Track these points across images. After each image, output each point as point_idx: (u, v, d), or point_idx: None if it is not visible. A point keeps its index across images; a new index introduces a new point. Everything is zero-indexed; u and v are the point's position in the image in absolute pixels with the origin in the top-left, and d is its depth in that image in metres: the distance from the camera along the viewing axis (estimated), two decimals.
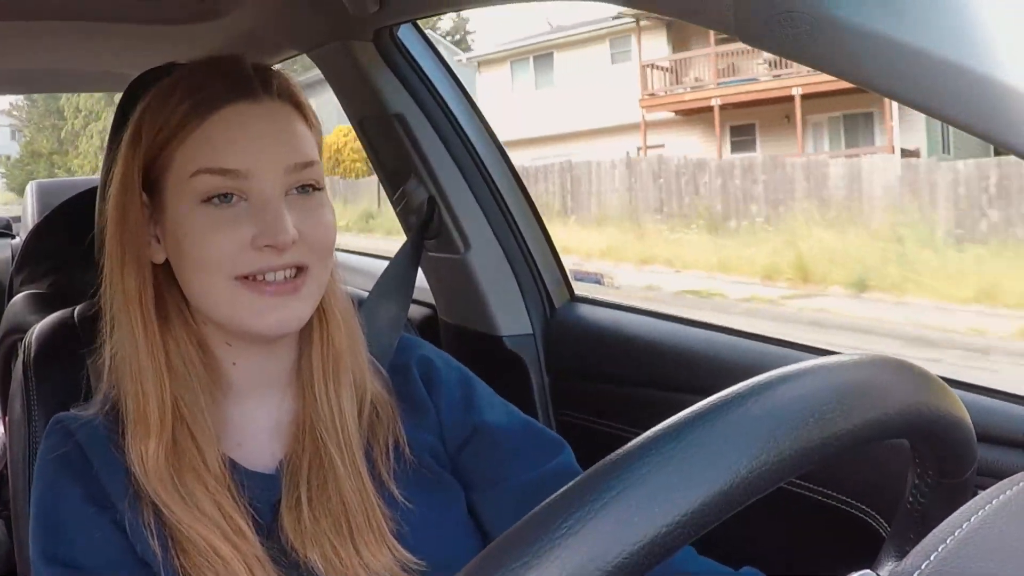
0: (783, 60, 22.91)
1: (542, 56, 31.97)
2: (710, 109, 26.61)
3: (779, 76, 25.24)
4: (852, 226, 17.38)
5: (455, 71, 2.60)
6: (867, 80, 1.02)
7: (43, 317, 1.88)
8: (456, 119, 2.51)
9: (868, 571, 1.02)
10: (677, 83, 28.04)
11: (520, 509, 1.52)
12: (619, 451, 0.67)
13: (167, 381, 1.38)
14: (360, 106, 2.57)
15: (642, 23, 27.76)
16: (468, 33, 62.05)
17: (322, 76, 2.59)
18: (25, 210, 5.00)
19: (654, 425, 0.68)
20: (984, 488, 0.76)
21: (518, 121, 28.76)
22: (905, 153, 21.82)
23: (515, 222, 2.56)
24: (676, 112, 28.12)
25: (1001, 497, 0.73)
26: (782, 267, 15.93)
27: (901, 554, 0.84)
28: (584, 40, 30.44)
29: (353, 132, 2.84)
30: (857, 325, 12.47)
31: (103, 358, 1.45)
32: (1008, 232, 16.12)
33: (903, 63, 0.96)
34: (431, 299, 2.83)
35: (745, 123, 27.03)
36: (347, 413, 1.46)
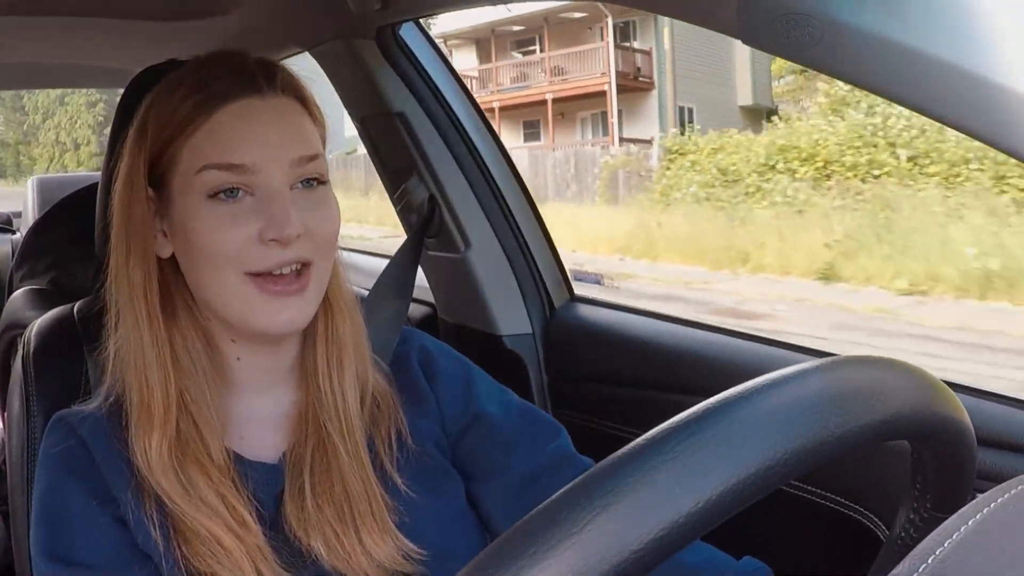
0: (559, 70, 29.94)
1: None
2: (508, 108, 31.74)
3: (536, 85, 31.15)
4: None
5: None
6: (870, 83, 1.02)
7: (43, 313, 1.88)
8: (458, 118, 2.51)
9: None
10: (483, 88, 32.28)
11: (520, 498, 1.52)
12: (623, 449, 0.67)
13: (172, 374, 1.38)
14: (362, 104, 2.57)
15: (451, 42, 33.04)
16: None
17: None
18: (26, 205, 5.00)
19: (653, 425, 0.68)
20: (982, 492, 0.76)
21: None
22: (638, 142, 26.46)
23: (515, 222, 2.57)
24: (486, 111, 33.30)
25: (999, 500, 0.73)
26: None
27: None
28: None
29: None
30: None
31: (107, 352, 1.45)
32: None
33: (906, 67, 0.96)
34: (431, 298, 2.83)
35: (533, 119, 32.69)
36: (350, 402, 1.47)
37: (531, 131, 33.16)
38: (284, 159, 1.36)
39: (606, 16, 28.44)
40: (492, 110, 30.43)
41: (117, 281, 1.42)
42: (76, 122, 51.32)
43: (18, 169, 49.72)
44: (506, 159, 2.61)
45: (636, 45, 30.61)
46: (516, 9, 30.37)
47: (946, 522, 0.72)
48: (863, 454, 1.05)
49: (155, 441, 1.36)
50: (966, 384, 1.65)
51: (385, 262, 2.15)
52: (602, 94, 29.67)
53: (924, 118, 1.00)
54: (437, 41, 2.60)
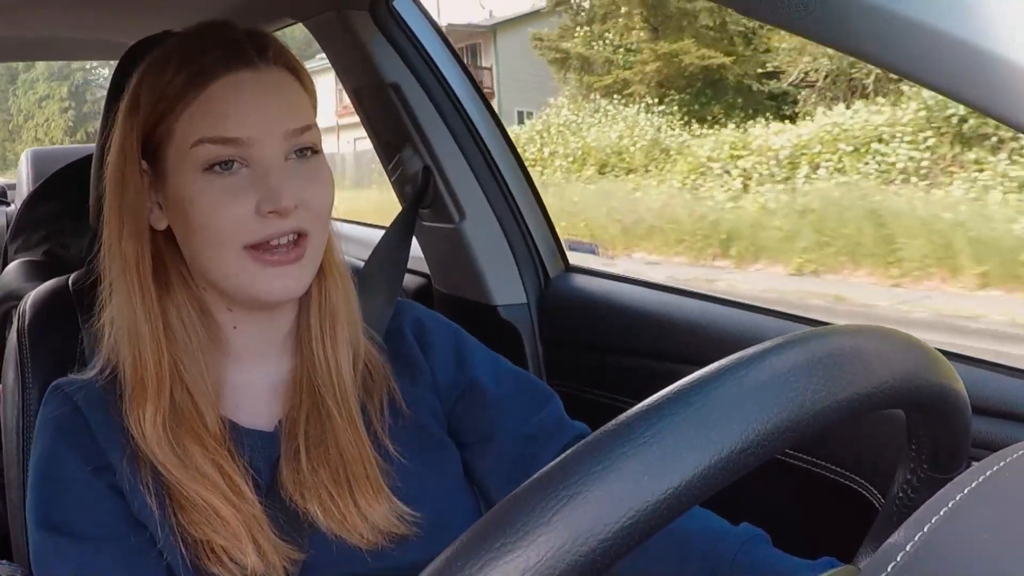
0: None
1: None
2: None
3: None
4: None
5: None
6: (868, 54, 1.02)
7: (37, 285, 1.88)
8: (452, 89, 2.50)
9: (850, 566, 1.02)
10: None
11: (514, 464, 1.53)
12: (592, 436, 0.67)
13: (165, 345, 1.39)
14: (356, 76, 2.56)
15: (313, 66, 36.65)
16: None
17: None
18: (20, 178, 4.97)
19: (647, 395, 0.68)
20: (977, 460, 0.76)
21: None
22: None
23: (510, 192, 2.56)
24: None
25: (995, 468, 0.73)
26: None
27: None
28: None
29: None
30: None
31: (101, 323, 1.46)
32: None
33: (899, 36, 0.96)
34: (426, 269, 2.83)
35: None
36: (344, 368, 1.48)
37: None
38: (278, 131, 1.37)
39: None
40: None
41: (110, 253, 1.43)
42: (51, 124, 53.32)
43: (3, 163, 51.63)
44: (500, 130, 2.60)
45: (482, 63, 34.31)
46: None
47: (941, 490, 0.72)
48: (857, 423, 1.05)
49: (149, 412, 1.36)
50: (960, 353, 1.66)
51: (380, 233, 2.15)
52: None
53: None
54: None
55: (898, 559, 0.65)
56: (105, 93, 1.74)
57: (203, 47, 1.40)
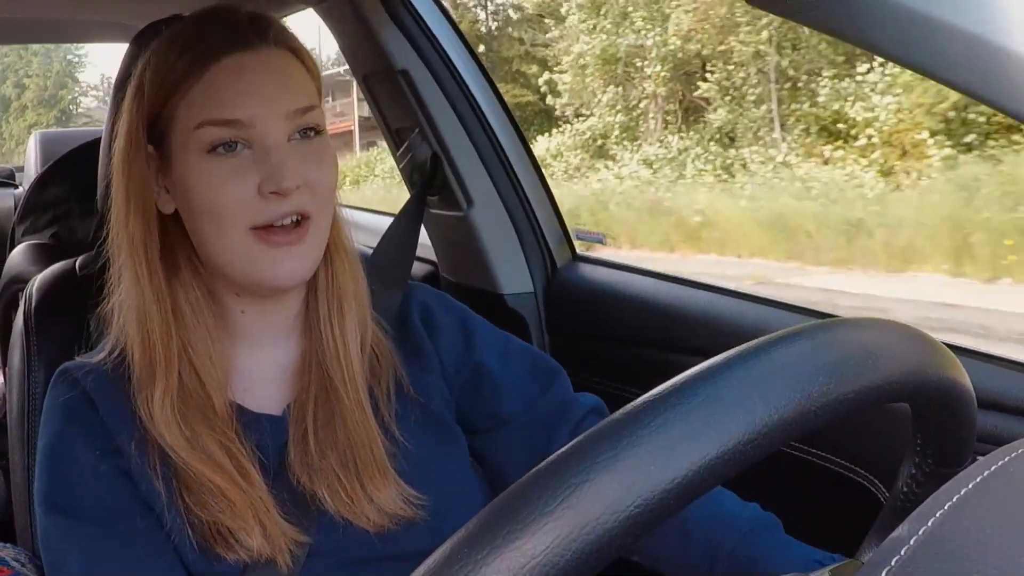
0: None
1: None
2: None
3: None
4: None
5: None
6: (872, 44, 1.02)
7: (44, 268, 1.88)
8: (461, 76, 2.50)
9: (853, 560, 1.02)
10: None
11: (527, 447, 1.54)
12: (598, 425, 0.67)
13: (174, 328, 1.40)
14: (365, 61, 2.56)
15: None
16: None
17: None
18: (28, 160, 4.97)
19: (654, 385, 0.68)
20: (983, 455, 0.76)
21: None
22: None
23: (518, 180, 2.56)
24: None
25: (1000, 463, 0.73)
26: None
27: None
28: None
29: None
30: None
31: (109, 306, 1.46)
32: None
33: (907, 27, 0.96)
34: (433, 256, 2.83)
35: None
36: (351, 349, 1.48)
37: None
38: (279, 112, 1.37)
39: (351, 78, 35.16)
40: None
41: (118, 237, 1.43)
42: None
43: None
44: (509, 118, 2.60)
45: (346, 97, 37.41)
46: None
47: (946, 484, 0.72)
48: (862, 416, 1.05)
49: (158, 393, 1.37)
50: (967, 347, 1.65)
51: (389, 221, 2.15)
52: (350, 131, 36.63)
53: None
54: None
55: (902, 553, 0.64)
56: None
57: (205, 31, 1.41)
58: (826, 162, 18.35)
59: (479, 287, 2.61)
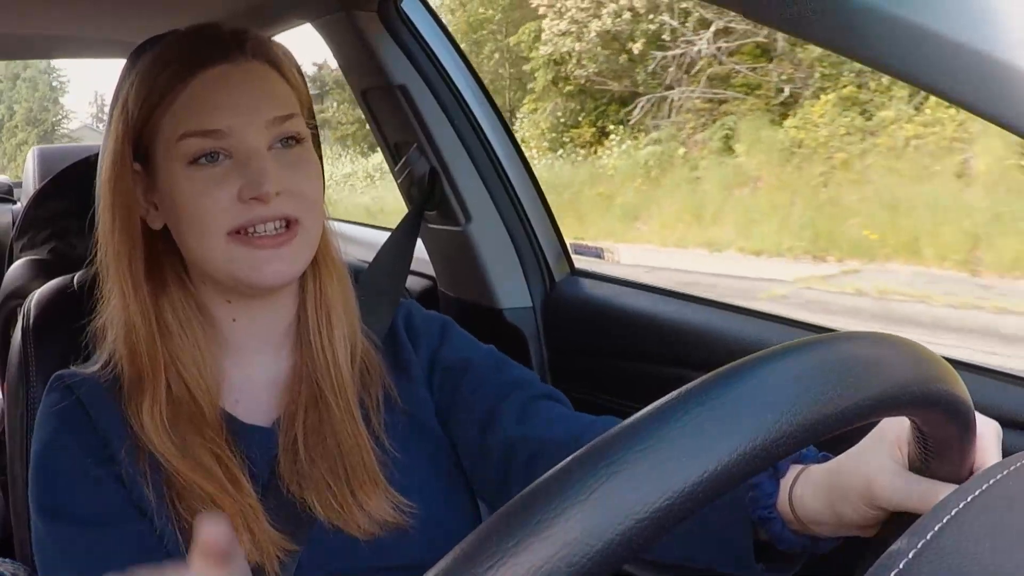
0: None
1: None
2: None
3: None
4: None
5: None
6: (870, 58, 1.02)
7: (43, 283, 1.88)
8: (459, 91, 2.50)
9: None
10: None
11: (482, 436, 1.50)
12: (630, 419, 0.67)
13: (160, 341, 1.42)
14: (363, 77, 2.56)
15: None
16: None
17: None
18: (26, 176, 4.96)
19: (653, 399, 0.68)
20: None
21: None
22: None
23: (516, 195, 2.56)
24: None
25: (999, 476, 0.73)
26: None
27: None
28: None
29: None
30: None
31: (102, 321, 1.48)
32: None
33: (905, 41, 0.96)
34: (432, 271, 2.83)
35: None
36: (340, 359, 1.50)
37: None
38: (258, 120, 1.40)
39: None
40: None
41: (106, 253, 1.46)
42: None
43: None
44: (507, 132, 2.60)
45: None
46: None
47: (944, 497, 0.72)
48: (863, 429, 1.05)
49: (147, 404, 1.40)
50: (965, 360, 1.65)
51: (385, 235, 2.15)
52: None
53: None
54: None
55: (900, 566, 0.65)
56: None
57: (186, 46, 1.44)
58: None
59: (478, 302, 2.61)
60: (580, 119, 21.70)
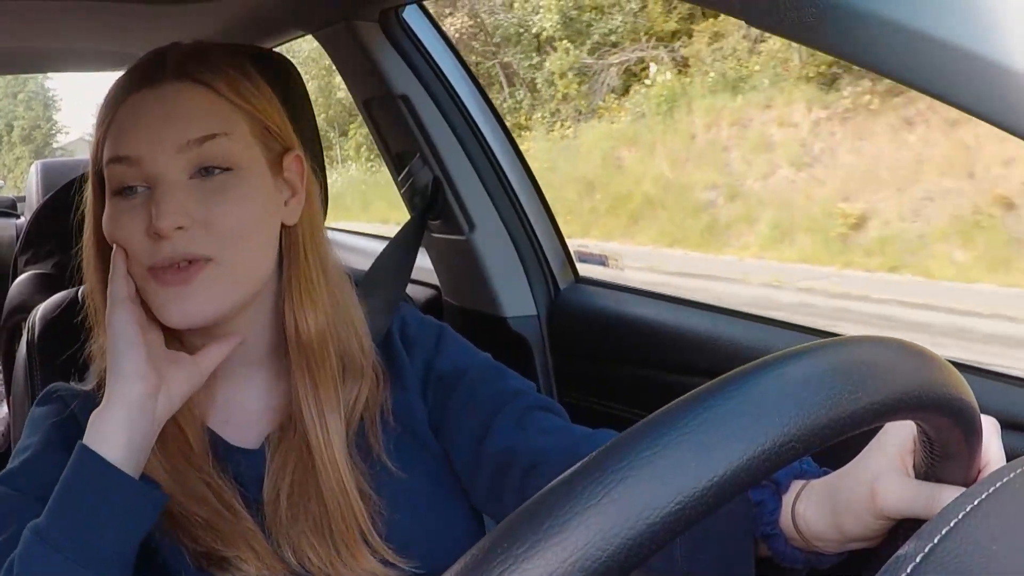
0: None
1: None
2: None
3: None
4: None
5: None
6: (873, 64, 1.02)
7: (47, 297, 1.88)
8: (461, 101, 2.50)
9: None
10: None
11: (478, 449, 1.48)
12: (640, 423, 0.67)
13: None
14: (365, 87, 2.57)
15: None
16: None
17: None
18: (29, 190, 4.96)
19: (658, 406, 0.68)
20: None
21: None
22: None
23: (520, 203, 2.56)
24: None
25: (1005, 480, 0.73)
26: None
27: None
28: None
29: None
30: None
31: (96, 346, 1.48)
32: None
33: (910, 48, 0.96)
34: (435, 280, 2.83)
35: None
36: (327, 411, 1.43)
37: None
38: (169, 144, 1.34)
39: None
40: None
41: (86, 276, 1.47)
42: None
43: None
44: (510, 141, 2.60)
45: None
46: None
47: (951, 502, 0.72)
48: (870, 432, 1.05)
49: None
50: (972, 364, 1.65)
51: (384, 244, 2.15)
52: None
53: None
54: None
55: (908, 570, 0.64)
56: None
57: (129, 72, 1.43)
58: None
59: (482, 310, 2.61)
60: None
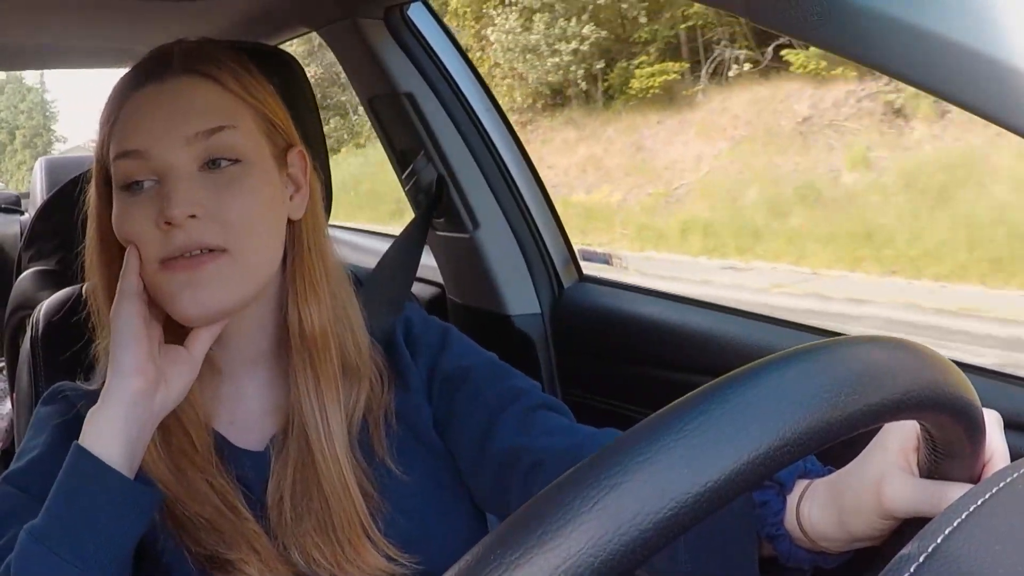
0: None
1: None
2: None
3: None
4: None
5: None
6: (876, 62, 1.02)
7: (51, 293, 1.89)
8: (466, 98, 2.50)
9: None
10: None
11: (482, 448, 1.47)
12: (631, 429, 0.67)
13: None
14: (370, 85, 2.56)
15: None
16: None
17: None
18: (33, 186, 4.95)
19: (662, 404, 0.68)
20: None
21: None
22: None
23: (524, 201, 2.56)
24: None
25: (1008, 480, 0.73)
26: None
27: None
28: None
29: None
30: None
31: (102, 345, 1.48)
32: None
33: (913, 46, 0.95)
34: (439, 278, 2.82)
35: None
36: (328, 408, 1.44)
37: None
38: (177, 137, 1.34)
39: None
40: None
41: (89, 275, 1.48)
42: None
43: None
44: (515, 139, 2.60)
45: None
46: None
47: (954, 502, 0.72)
48: (871, 433, 1.05)
49: None
50: (975, 364, 1.65)
51: (389, 242, 2.14)
52: None
53: None
54: None
55: (911, 570, 0.64)
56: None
57: (134, 69, 1.44)
58: None
59: (486, 309, 2.61)
60: None
